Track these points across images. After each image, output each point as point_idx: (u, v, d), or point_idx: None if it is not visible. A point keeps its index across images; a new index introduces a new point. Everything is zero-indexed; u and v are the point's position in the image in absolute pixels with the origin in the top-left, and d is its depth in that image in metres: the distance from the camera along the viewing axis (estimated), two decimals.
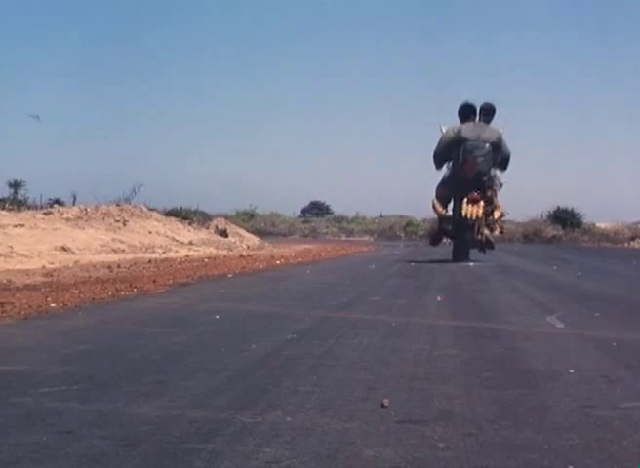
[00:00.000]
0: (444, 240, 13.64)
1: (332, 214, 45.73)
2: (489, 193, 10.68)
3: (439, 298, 7.28)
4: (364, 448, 2.44)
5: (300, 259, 15.11)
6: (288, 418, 2.77)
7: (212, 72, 59.29)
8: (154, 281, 8.72)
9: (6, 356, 4.02)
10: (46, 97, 50.15)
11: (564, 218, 35.15)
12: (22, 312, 5.75)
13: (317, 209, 49.33)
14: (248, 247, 21.30)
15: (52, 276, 9.02)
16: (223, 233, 22.57)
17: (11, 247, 11.68)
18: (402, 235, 37.06)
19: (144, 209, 20.91)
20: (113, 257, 13.01)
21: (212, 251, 17.79)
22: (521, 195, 51.13)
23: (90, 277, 9.09)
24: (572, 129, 58.40)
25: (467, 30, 62.50)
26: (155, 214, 20.97)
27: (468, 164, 10.22)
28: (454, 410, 2.93)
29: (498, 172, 11.03)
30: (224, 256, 15.65)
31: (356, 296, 7.47)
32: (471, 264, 13.73)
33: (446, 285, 9.27)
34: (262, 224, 37.09)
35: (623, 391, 3.32)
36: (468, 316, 6.03)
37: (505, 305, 6.93)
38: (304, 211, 49.14)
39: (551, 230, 34.95)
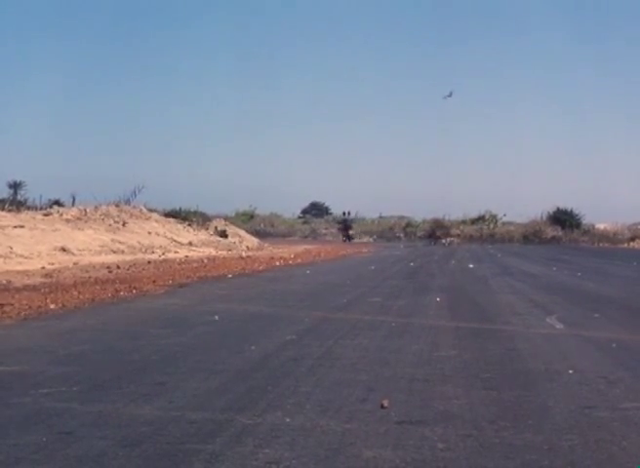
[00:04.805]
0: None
1: (331, 214, 45.62)
2: (352, 228, 37.13)
3: (438, 299, 7.29)
4: (364, 449, 2.44)
5: (299, 260, 15.11)
6: (287, 419, 2.78)
7: (212, 73, 59.41)
8: (154, 281, 8.72)
9: (6, 357, 4.03)
10: (46, 98, 50.17)
11: (563, 219, 35.13)
12: (22, 313, 5.76)
13: (317, 210, 49.20)
14: (247, 247, 21.29)
15: (51, 277, 9.02)
16: (223, 234, 22.55)
17: (10, 247, 11.67)
18: (402, 236, 37.11)
19: (144, 210, 20.87)
20: (113, 258, 12.99)
21: (211, 251, 17.78)
22: (521, 196, 51.16)
23: (89, 278, 9.09)
24: (571, 130, 58.44)
25: (467, 30, 62.64)
26: (155, 215, 20.92)
27: (346, 224, 37.35)
28: (453, 411, 2.93)
29: (352, 224, 37.77)
30: (224, 257, 15.65)
31: (356, 297, 7.47)
32: (471, 265, 13.76)
33: (445, 285, 9.27)
34: (262, 225, 37.05)
35: (623, 392, 3.33)
36: (468, 317, 6.03)
37: (505, 306, 6.93)
38: (304, 211, 48.99)
39: (551, 231, 34.94)
